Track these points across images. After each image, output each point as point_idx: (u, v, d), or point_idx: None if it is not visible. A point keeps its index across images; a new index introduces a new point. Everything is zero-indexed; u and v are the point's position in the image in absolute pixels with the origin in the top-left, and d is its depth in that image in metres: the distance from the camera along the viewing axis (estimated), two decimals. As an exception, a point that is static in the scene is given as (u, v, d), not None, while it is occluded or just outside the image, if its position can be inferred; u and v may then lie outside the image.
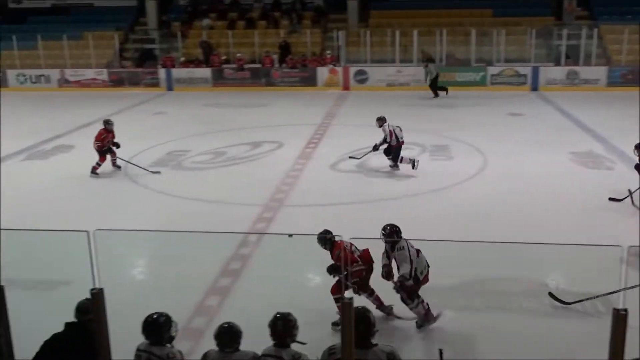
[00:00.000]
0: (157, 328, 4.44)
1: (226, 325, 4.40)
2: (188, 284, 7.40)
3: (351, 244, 6.22)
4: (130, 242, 8.16)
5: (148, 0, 27.71)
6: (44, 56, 26.00)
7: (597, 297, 6.43)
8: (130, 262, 7.32)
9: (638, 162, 9.91)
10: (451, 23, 25.33)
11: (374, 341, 4.17)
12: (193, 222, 9.44)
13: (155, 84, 24.77)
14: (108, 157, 12.52)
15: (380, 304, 6.48)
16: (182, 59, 25.43)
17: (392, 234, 6.18)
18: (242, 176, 12.46)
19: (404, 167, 12.12)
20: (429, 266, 6.23)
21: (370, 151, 12.58)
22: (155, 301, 6.78)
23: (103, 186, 11.89)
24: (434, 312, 6.27)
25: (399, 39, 24.11)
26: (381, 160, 13.11)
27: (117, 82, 25.12)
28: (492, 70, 23.20)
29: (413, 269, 6.02)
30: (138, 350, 4.42)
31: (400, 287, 6.07)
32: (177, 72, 24.78)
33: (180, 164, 13.34)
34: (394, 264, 6.24)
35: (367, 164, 12.91)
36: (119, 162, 12.70)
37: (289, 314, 4.44)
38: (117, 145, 12.58)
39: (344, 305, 3.34)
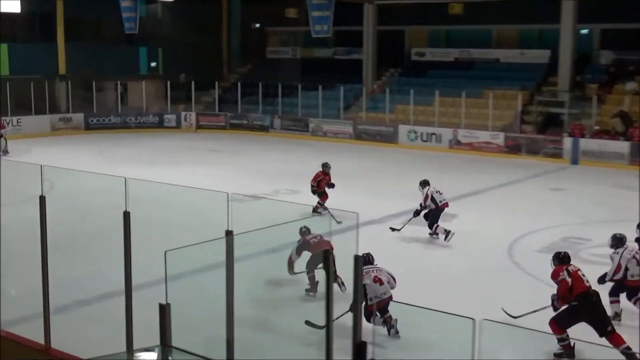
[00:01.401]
0: None
1: None
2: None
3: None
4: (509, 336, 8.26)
5: (562, 58, 27.90)
6: (438, 113, 28.07)
7: (539, 310, 8.66)
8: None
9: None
10: None
11: None
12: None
13: (557, 155, 24.77)
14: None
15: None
16: (596, 127, 24.97)
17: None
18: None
19: None
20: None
21: (411, 218, 14.14)
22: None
23: (485, 270, 12.42)
24: None
25: None
26: None
27: (513, 148, 25.77)
28: None
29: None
30: None
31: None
32: (586, 143, 24.42)
33: (577, 254, 12.99)
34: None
35: None
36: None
37: None
38: (332, 186, 15.71)
39: None
